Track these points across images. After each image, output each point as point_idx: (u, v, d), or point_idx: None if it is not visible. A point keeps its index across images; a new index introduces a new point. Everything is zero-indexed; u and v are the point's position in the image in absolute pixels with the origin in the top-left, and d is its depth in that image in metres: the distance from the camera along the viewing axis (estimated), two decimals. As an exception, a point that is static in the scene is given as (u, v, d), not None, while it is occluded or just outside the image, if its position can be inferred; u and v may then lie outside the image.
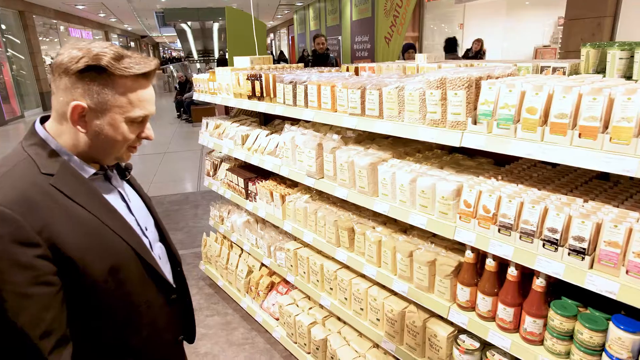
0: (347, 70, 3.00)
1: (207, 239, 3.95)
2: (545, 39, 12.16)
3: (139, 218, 1.30)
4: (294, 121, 2.89)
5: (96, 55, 1.05)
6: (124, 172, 1.35)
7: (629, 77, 1.89)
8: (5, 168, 1.07)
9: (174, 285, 1.38)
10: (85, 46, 1.07)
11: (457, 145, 1.65)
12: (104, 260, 1.12)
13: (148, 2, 17.60)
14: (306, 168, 2.46)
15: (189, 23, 23.37)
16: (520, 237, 1.53)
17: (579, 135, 1.33)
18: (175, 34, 25.31)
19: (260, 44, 5.79)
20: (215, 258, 3.76)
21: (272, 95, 2.69)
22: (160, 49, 53.47)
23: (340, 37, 15.84)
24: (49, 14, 17.61)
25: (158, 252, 1.36)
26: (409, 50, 6.78)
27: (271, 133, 3.05)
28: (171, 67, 28.58)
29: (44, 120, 1.18)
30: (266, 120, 3.72)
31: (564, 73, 2.16)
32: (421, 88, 1.76)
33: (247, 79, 2.87)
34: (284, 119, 3.45)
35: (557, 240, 1.43)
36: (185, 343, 1.53)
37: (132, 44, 35.79)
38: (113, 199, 1.23)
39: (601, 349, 1.43)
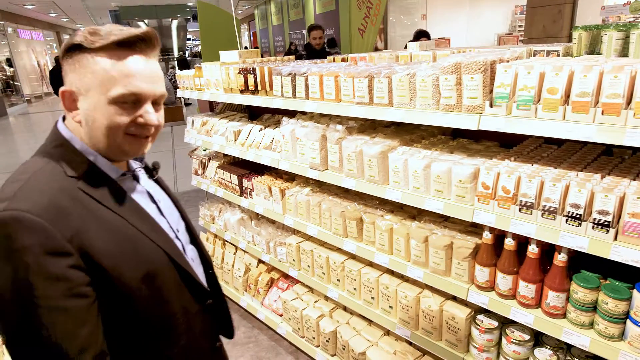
0: (343, 60, 2.99)
1: (197, 239, 3.86)
2: (504, 27, 12.56)
3: (170, 220, 1.23)
4: (290, 114, 2.86)
5: (79, 34, 0.99)
6: (152, 172, 1.27)
7: (625, 56, 1.97)
8: (29, 174, 0.99)
9: (209, 289, 1.31)
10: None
11: (474, 128, 1.67)
12: (138, 267, 1.05)
13: (102, 0, 16.96)
14: (309, 160, 2.44)
15: (146, 21, 22.71)
16: (542, 215, 1.57)
17: (602, 113, 1.37)
18: (132, 32, 24.44)
19: (232, 38, 5.70)
20: (208, 258, 3.68)
21: (267, 89, 2.65)
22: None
23: (304, 31, 15.79)
24: (-5, 15, 16.69)
25: (191, 254, 1.29)
26: (421, 38, 5.80)
27: (264, 127, 3.00)
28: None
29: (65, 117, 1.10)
30: (253, 115, 3.66)
31: (558, 55, 2.23)
32: (434, 74, 1.77)
33: (239, 72, 2.81)
34: (275, 113, 3.41)
35: (580, 215, 1.48)
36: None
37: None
38: (143, 200, 1.16)
39: (625, 316, 1.49)
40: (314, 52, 5.89)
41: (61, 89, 1.01)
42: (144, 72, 1.01)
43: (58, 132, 1.07)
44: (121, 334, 1.06)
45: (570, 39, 7.50)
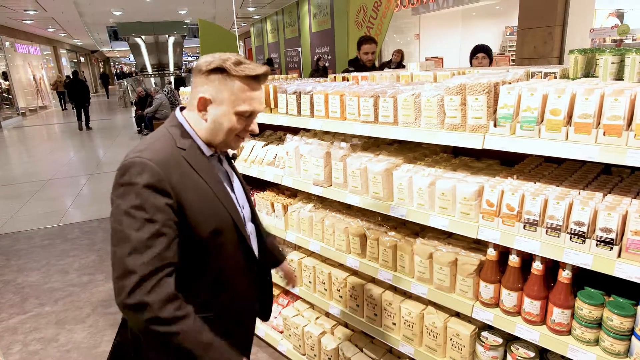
0: (344, 79, 3.04)
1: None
2: (495, 46, 12.82)
3: (238, 197, 1.55)
4: (293, 131, 2.89)
5: (222, 59, 1.34)
6: (231, 159, 1.64)
7: (620, 79, 2.04)
8: (154, 139, 1.38)
9: (258, 259, 1.61)
10: (218, 55, 1.36)
11: (479, 147, 1.72)
12: (211, 222, 1.37)
13: (100, 17, 17.13)
14: (313, 177, 2.48)
15: (143, 37, 22.90)
16: (546, 232, 1.61)
17: (604, 134, 1.42)
18: (128, 48, 24.66)
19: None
20: (207, 274, 3.67)
21: (272, 106, 2.69)
22: (111, 63, 51.87)
23: (299, 49, 16.02)
24: (-7, 30, 16.75)
25: (250, 229, 1.59)
26: (477, 55, 4.76)
27: (267, 144, 3.04)
28: (125, 82, 27.77)
29: (182, 109, 1.49)
30: (255, 132, 3.69)
31: (555, 77, 2.29)
32: (439, 94, 1.83)
33: (243, 90, 2.85)
34: (277, 129, 3.45)
35: (584, 232, 1.52)
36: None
37: (82, 59, 34.51)
38: (222, 176, 1.51)
39: (630, 333, 1.52)
40: (363, 70, 4.48)
41: (199, 94, 1.37)
42: (259, 97, 1.41)
43: (175, 117, 1.45)
44: (187, 275, 1.36)
45: (560, 60, 7.67)
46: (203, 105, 1.38)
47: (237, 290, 1.52)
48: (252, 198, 3.04)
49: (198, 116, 1.41)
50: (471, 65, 4.88)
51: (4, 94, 18.59)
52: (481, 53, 4.76)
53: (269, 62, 14.97)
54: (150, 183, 1.24)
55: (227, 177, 1.55)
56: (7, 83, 18.59)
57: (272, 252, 1.89)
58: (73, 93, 14.99)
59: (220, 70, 1.33)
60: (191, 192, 1.33)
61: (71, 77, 17.07)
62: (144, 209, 1.23)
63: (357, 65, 4.91)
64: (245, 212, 1.58)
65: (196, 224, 1.33)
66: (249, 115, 1.41)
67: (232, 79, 1.34)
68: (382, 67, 4.92)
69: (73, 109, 15.79)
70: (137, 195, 1.23)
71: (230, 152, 1.67)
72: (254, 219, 1.66)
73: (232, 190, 1.53)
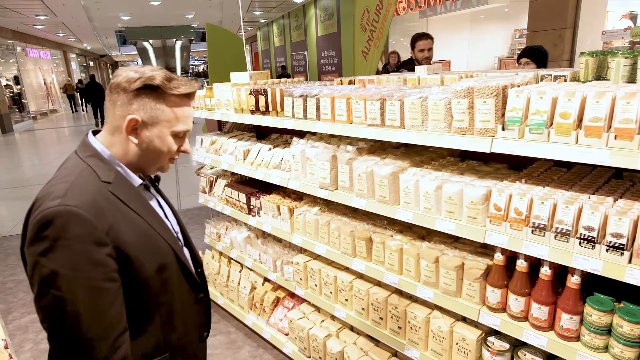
0: (350, 83, 3.03)
1: (203, 256, 3.86)
2: (504, 50, 12.75)
3: (172, 224, 1.44)
4: (299, 134, 2.89)
5: (151, 77, 1.21)
6: (154, 183, 1.49)
7: (632, 82, 2.01)
8: (73, 176, 1.18)
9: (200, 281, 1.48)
10: (139, 69, 1.23)
11: (487, 151, 1.70)
12: (154, 259, 1.25)
13: (109, 21, 17.29)
14: (319, 180, 2.47)
15: (151, 41, 23.08)
16: (555, 237, 1.59)
17: (615, 137, 1.40)
18: (136, 52, 24.87)
19: (240, 59, 5.79)
20: (214, 276, 3.68)
21: (278, 109, 2.69)
22: (120, 67, 52.24)
23: (306, 53, 16.05)
24: (6, 35, 16.97)
25: (187, 255, 1.47)
26: (520, 60, 3.77)
27: (273, 147, 3.04)
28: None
29: (95, 133, 1.32)
30: (261, 135, 3.70)
31: (565, 80, 2.27)
32: (446, 97, 1.81)
33: (250, 93, 2.86)
34: (283, 133, 3.45)
35: (594, 238, 1.50)
36: None
37: (92, 63, 34.85)
38: (154, 205, 1.38)
39: (641, 340, 1.49)
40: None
41: (129, 116, 1.21)
42: (192, 114, 1.34)
43: (89, 144, 1.27)
44: (134, 318, 1.22)
45: (570, 63, 7.59)
46: (132, 127, 1.22)
47: (187, 323, 1.40)
48: (258, 201, 3.04)
49: (124, 140, 1.24)
50: None
51: (16, 98, 18.82)
52: (524, 58, 3.71)
53: (283, 68, 14.86)
54: (83, 235, 1.07)
55: (159, 205, 1.42)
56: (18, 87, 18.82)
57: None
58: (90, 95, 16.51)
59: (151, 87, 1.21)
60: (128, 233, 1.18)
61: (83, 81, 19.03)
62: (78, 268, 1.06)
63: (412, 66, 4.13)
64: (180, 238, 1.47)
65: (139, 265, 1.19)
66: (182, 135, 1.32)
67: (167, 97, 1.23)
68: (401, 66, 4.38)
69: (85, 110, 16.61)
70: (70, 252, 1.06)
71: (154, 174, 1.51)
72: (187, 242, 1.52)
73: (166, 217, 1.42)
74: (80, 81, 23.22)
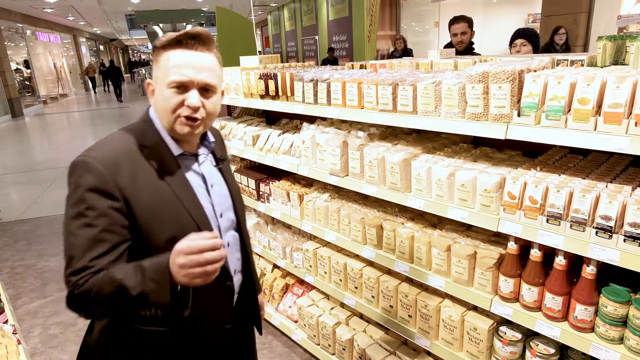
0: (361, 67, 2.98)
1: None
2: (518, 35, 12.47)
3: (216, 203, 1.38)
4: (309, 119, 2.86)
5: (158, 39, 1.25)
6: (217, 161, 1.46)
7: (652, 67, 1.94)
8: (112, 137, 1.28)
9: (232, 273, 1.43)
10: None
11: (502, 137, 1.66)
12: (169, 229, 1.22)
13: (119, 5, 17.21)
14: (329, 166, 2.44)
15: (161, 25, 22.97)
16: (570, 226, 1.55)
17: (636, 124, 1.35)
18: (146, 36, 24.79)
19: (250, 43, 5.73)
20: (223, 262, 3.69)
21: (288, 94, 2.65)
22: (130, 51, 52.33)
23: (317, 37, 15.88)
24: (16, 18, 16.97)
25: (229, 239, 1.44)
26: (515, 42, 3.82)
27: (283, 132, 3.01)
28: (143, 70, 27.93)
29: None
30: (271, 120, 3.67)
31: (582, 65, 2.20)
32: (460, 82, 1.77)
33: (260, 78, 2.82)
34: (293, 118, 3.41)
35: (611, 227, 1.46)
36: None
37: (102, 47, 34.86)
38: (194, 178, 1.35)
39: (657, 332, 1.46)
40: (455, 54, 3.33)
41: (146, 82, 1.30)
42: (188, 63, 1.21)
43: (147, 112, 1.34)
44: None
45: (584, 49, 7.40)
46: (150, 90, 1.29)
47: (201, 309, 1.28)
48: (268, 187, 3.03)
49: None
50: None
51: (26, 82, 18.92)
52: (520, 39, 3.71)
53: (331, 51, 13.90)
54: (93, 185, 1.15)
55: (203, 180, 1.37)
56: (28, 71, 18.90)
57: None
58: (111, 75, 21.48)
59: (154, 48, 1.27)
60: (146, 195, 1.20)
61: (106, 65, 24.00)
62: (83, 214, 1.15)
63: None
64: (224, 222, 1.41)
65: (150, 230, 1.21)
66: (182, 87, 1.22)
67: (159, 52, 1.24)
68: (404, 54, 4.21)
69: (107, 90, 22.87)
70: (79, 198, 1.16)
71: (219, 152, 1.50)
72: (239, 228, 1.49)
73: (209, 194, 1.36)
74: (102, 64, 26.08)
